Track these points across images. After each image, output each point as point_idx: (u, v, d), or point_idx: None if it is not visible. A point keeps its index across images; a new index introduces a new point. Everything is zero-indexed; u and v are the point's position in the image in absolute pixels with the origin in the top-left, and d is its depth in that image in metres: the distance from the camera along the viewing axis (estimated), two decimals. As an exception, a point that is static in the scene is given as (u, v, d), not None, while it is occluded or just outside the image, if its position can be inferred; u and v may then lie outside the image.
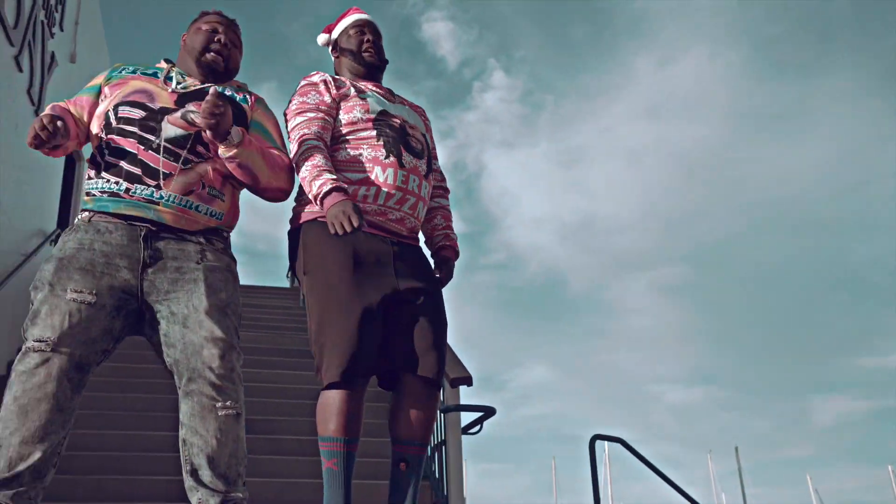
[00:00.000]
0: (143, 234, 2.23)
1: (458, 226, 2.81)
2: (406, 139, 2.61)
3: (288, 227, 2.65)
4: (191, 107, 2.35)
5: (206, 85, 2.48)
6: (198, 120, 2.30)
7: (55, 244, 6.95)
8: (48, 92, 6.49)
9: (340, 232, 2.27)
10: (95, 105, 2.40)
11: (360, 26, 2.83)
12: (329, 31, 2.92)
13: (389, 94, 2.77)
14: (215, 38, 2.52)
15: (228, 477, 2.15)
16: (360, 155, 2.51)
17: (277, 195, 2.47)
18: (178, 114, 2.32)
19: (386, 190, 2.49)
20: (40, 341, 2.07)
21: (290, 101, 2.62)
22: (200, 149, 2.30)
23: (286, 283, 15.86)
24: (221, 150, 2.29)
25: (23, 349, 2.09)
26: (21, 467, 2.00)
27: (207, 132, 2.25)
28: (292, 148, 2.52)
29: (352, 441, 2.32)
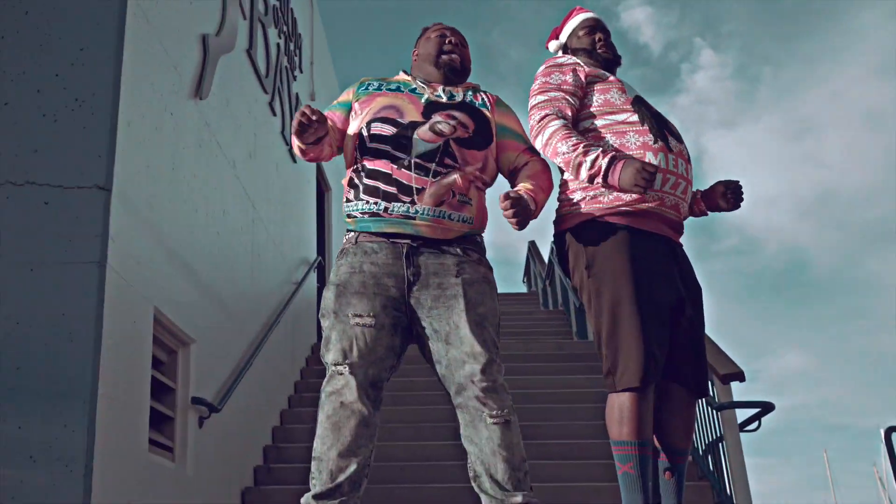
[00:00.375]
0: (405, 251, 2.32)
1: (683, 213, 2.75)
2: (666, 123, 2.56)
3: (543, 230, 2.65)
4: (437, 117, 2.42)
5: (449, 95, 2.52)
6: (445, 128, 2.39)
7: (316, 271, 7.50)
8: (296, 131, 6.98)
9: (648, 188, 2.27)
10: (347, 121, 2.53)
11: (589, 26, 2.81)
12: (557, 35, 2.90)
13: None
14: (446, 41, 2.62)
15: (504, 484, 2.19)
16: (628, 141, 2.46)
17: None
18: (426, 126, 2.40)
19: (661, 175, 2.42)
20: (338, 364, 2.24)
21: (534, 81, 2.64)
22: (448, 161, 2.36)
23: (522, 288, 16.05)
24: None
25: (328, 372, 2.27)
26: (341, 478, 2.16)
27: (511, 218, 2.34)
28: (533, 127, 2.51)
29: (645, 444, 2.29)
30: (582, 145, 2.37)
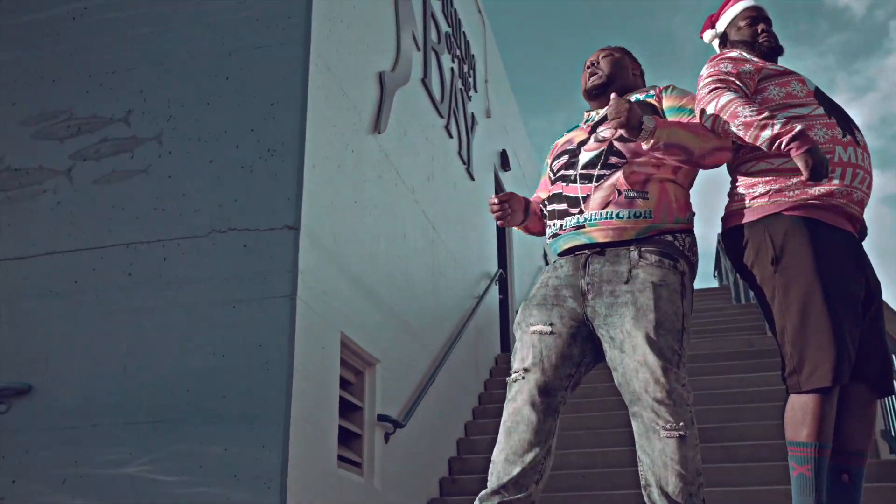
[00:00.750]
0: (581, 262, 2.38)
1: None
2: (848, 116, 2.47)
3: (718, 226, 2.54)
4: (601, 128, 2.49)
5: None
6: (607, 133, 2.45)
7: (498, 284, 7.75)
8: (473, 148, 7.25)
9: (826, 177, 2.20)
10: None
11: (751, 16, 2.67)
12: (713, 24, 2.79)
13: None
14: (586, 70, 2.69)
15: (674, 498, 2.18)
16: (815, 134, 2.37)
17: (719, 157, 2.42)
18: (591, 139, 2.49)
19: (851, 169, 2.35)
20: (515, 372, 2.37)
21: (699, 81, 2.54)
22: (613, 160, 2.38)
23: (714, 283, 15.54)
24: (644, 145, 2.30)
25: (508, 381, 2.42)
26: (505, 480, 2.27)
27: (622, 132, 2.29)
28: (702, 100, 2.40)
29: (825, 446, 2.23)
30: (768, 111, 2.29)
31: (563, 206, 2.44)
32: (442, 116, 6.27)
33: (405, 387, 4.71)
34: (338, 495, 3.58)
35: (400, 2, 5.38)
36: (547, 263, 10.22)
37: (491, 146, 8.24)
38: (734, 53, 2.57)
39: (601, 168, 2.39)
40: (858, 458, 2.36)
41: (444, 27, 6.66)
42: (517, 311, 2.50)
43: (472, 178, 7.10)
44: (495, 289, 7.59)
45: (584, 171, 2.43)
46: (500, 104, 8.79)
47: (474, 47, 7.82)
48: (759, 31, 2.64)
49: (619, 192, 2.34)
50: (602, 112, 2.58)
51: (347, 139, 4.23)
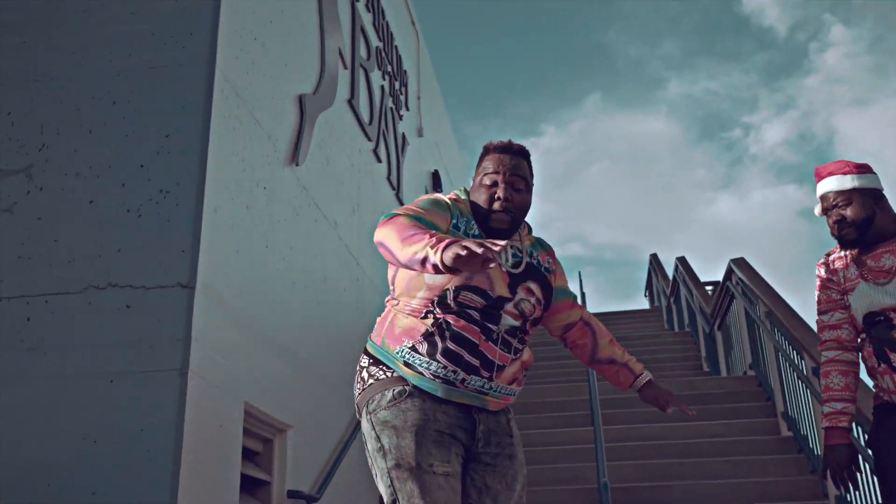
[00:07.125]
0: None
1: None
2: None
3: None
4: (521, 293, 2.20)
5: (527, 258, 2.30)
6: (526, 307, 2.22)
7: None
8: (404, 171, 6.77)
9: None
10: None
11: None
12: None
13: None
14: (496, 196, 2.21)
15: None
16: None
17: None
18: (512, 304, 2.18)
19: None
20: None
21: None
22: (527, 337, 2.28)
23: (645, 304, 15.34)
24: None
25: None
26: None
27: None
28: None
29: None
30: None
31: (476, 363, 2.10)
32: (370, 140, 5.77)
33: (322, 452, 4.19)
34: None
35: (325, 15, 4.86)
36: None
37: (422, 167, 7.76)
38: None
39: (519, 342, 2.21)
40: None
41: (375, 42, 6.17)
42: (394, 446, 2.04)
43: (402, 203, 6.61)
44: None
45: (506, 337, 2.16)
46: (432, 121, 8.33)
47: (406, 62, 7.34)
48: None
49: (525, 371, 2.29)
50: (513, 252, 2.27)
51: (258, 175, 3.71)
